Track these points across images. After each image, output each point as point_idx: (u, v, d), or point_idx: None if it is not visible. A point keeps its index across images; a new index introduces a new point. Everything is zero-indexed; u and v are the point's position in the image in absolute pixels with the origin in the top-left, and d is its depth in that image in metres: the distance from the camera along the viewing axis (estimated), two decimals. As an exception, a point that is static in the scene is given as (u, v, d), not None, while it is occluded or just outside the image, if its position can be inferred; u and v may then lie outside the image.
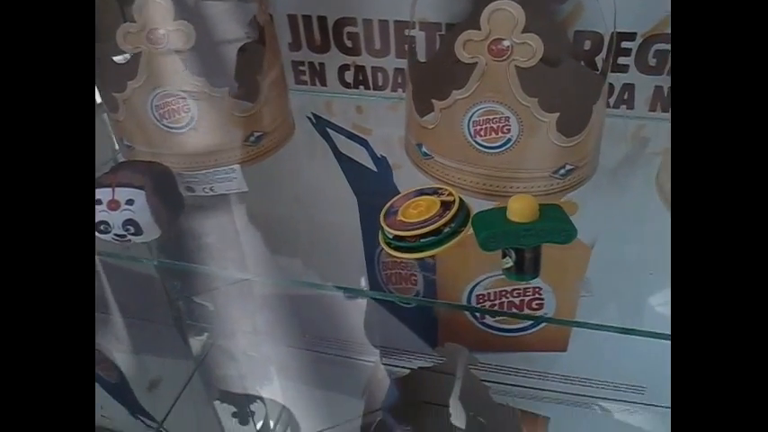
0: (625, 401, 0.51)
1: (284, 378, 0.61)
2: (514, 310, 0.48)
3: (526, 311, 0.48)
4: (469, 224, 0.39)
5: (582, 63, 0.56)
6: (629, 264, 0.46)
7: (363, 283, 0.48)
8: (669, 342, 0.40)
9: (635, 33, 0.54)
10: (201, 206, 0.52)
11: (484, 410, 0.48)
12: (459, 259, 0.47)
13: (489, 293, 0.48)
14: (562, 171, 0.47)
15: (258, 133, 0.53)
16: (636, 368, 0.49)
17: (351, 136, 0.59)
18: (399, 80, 0.64)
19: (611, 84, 0.58)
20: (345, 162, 0.56)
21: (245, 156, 0.53)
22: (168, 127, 0.50)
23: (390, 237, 0.39)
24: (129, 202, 0.43)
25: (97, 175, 0.44)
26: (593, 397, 0.52)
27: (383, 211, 0.42)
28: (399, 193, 0.44)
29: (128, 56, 0.49)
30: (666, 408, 0.51)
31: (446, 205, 0.40)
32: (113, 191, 0.43)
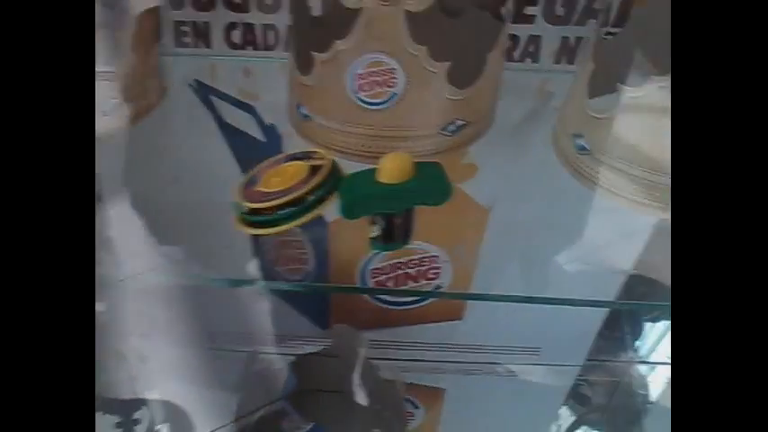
0: (521, 364, 0.49)
1: (177, 378, 0.56)
2: (410, 283, 0.44)
3: (422, 283, 0.44)
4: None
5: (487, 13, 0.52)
6: (529, 225, 0.43)
7: (252, 269, 0.43)
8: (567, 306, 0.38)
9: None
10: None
11: (373, 390, 0.44)
12: (352, 231, 0.43)
13: (385, 267, 0.44)
14: (451, 127, 0.42)
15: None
16: (531, 330, 0.46)
17: (237, 103, 0.53)
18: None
19: (515, 35, 0.54)
20: (230, 133, 0.51)
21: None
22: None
23: (245, 210, 0.34)
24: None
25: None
26: (490, 363, 0.50)
27: (242, 181, 0.36)
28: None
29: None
30: (562, 365, 0.50)
31: (314, 170, 0.35)
32: None
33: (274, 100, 0.54)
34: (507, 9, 0.50)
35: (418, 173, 0.32)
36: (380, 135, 0.42)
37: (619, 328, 0.52)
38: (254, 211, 0.34)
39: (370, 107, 0.41)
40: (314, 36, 0.42)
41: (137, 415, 0.55)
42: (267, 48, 0.59)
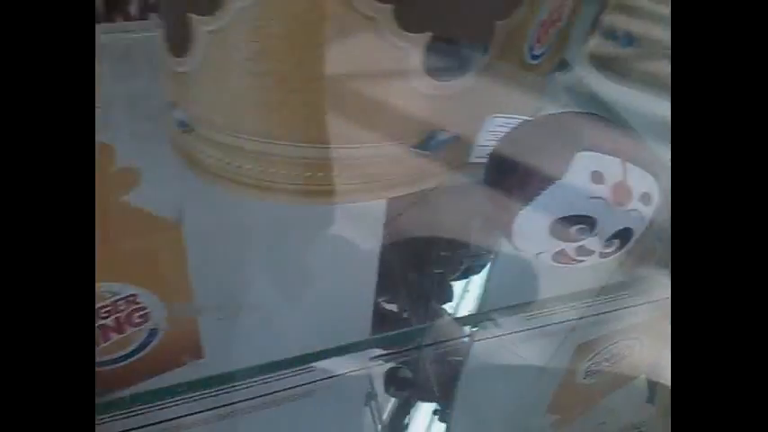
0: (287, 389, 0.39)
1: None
2: (113, 335, 0.34)
3: (130, 330, 0.34)
4: None
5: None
6: (227, 232, 0.34)
7: None
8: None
9: None
10: None
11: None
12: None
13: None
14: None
15: None
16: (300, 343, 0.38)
17: None
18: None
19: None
20: None
21: None
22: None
23: None
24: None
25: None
26: (272, 393, 0.39)
27: None
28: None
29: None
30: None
31: None
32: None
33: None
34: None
35: None
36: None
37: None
38: None
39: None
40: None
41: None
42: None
